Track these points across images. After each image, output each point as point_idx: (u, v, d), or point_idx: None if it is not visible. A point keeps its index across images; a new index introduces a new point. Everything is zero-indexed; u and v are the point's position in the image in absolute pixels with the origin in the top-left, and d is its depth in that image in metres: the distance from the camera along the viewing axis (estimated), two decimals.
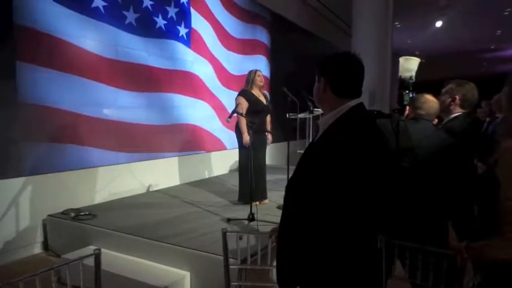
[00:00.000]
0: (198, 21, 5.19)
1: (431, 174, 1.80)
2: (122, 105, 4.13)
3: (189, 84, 5.07)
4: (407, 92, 2.33)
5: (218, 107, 5.62)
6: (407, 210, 1.75)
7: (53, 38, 3.43)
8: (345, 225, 1.16)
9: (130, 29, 4.22)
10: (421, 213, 1.79)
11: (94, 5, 3.79)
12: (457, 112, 2.12)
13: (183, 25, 4.91)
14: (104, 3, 3.88)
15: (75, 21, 3.64)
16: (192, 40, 5.08)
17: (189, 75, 5.08)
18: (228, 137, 5.52)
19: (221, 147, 5.70)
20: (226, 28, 5.83)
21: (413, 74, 2.18)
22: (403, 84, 2.30)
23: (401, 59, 2.22)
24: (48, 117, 3.42)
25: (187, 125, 5.08)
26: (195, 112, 5.19)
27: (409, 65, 2.19)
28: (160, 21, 4.59)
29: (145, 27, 4.40)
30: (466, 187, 1.73)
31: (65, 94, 3.55)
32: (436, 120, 2.19)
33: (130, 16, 4.21)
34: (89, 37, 3.78)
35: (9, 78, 3.13)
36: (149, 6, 4.43)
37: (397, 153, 1.83)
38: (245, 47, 6.28)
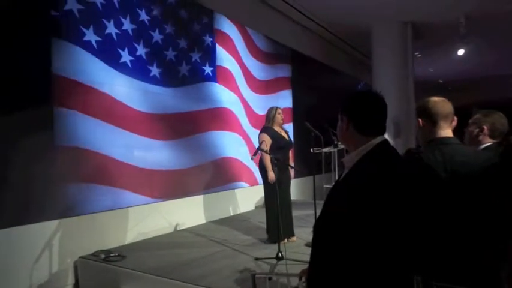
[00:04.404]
0: (227, 60, 5.50)
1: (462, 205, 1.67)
2: (155, 154, 4.36)
3: (223, 119, 5.38)
4: None
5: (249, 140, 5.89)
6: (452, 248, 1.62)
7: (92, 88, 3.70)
8: (378, 267, 1.12)
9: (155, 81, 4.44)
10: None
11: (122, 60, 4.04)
12: (487, 142, 2.06)
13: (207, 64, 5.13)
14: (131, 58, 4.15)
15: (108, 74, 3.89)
16: (220, 77, 5.35)
17: (223, 111, 5.40)
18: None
19: (255, 182, 5.78)
20: (252, 71, 6.18)
21: None
22: None
23: None
24: (84, 160, 3.61)
25: (228, 158, 5.43)
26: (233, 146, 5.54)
27: None
28: (184, 68, 4.82)
29: (170, 78, 4.60)
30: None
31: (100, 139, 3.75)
32: (455, 120, 1.77)
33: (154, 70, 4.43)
34: (123, 90, 4.04)
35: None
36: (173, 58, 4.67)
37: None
38: (269, 87, 6.58)
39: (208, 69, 5.13)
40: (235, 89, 5.69)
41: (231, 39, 5.62)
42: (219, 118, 5.30)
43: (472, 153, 1.75)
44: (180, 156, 4.66)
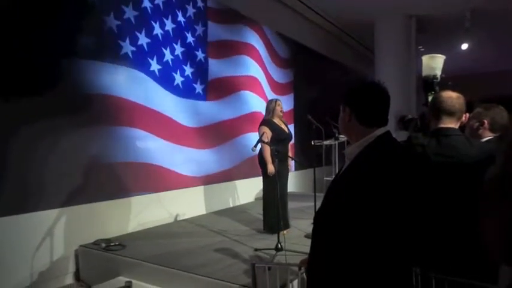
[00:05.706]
0: (255, 68, 6.20)
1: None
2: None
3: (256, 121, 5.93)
4: (432, 92, 2.20)
5: None
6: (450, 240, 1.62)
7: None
8: (377, 258, 1.13)
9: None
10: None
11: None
12: (488, 136, 2.05)
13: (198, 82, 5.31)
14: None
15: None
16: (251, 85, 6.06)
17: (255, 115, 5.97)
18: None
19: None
20: (272, 75, 6.80)
21: (438, 72, 2.06)
22: (427, 84, 2.15)
23: (424, 57, 2.12)
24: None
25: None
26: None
27: (433, 63, 2.09)
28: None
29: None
30: None
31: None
32: (465, 117, 1.80)
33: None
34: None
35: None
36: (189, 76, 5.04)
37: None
38: (283, 89, 7.09)
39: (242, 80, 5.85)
40: (262, 94, 6.26)
41: (256, 49, 6.18)
42: (252, 121, 5.82)
43: (472, 145, 1.75)
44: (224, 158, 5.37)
